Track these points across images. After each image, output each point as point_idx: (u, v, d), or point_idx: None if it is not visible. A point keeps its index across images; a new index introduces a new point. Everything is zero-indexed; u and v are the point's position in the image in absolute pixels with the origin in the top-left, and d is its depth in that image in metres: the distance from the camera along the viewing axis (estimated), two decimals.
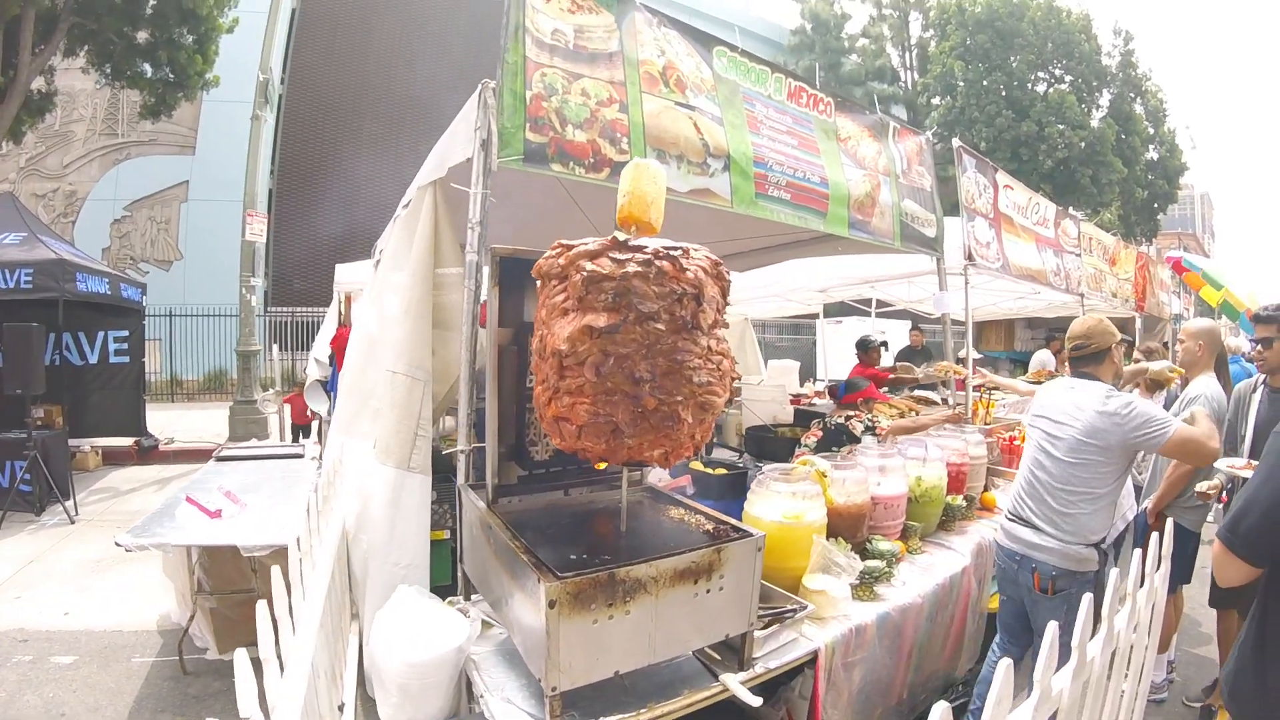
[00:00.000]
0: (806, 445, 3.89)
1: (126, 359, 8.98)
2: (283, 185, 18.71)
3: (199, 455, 8.44)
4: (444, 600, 2.41)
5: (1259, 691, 1.73)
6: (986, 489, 4.00)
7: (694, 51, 3.34)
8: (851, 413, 4.52)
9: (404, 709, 2.04)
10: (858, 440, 3.78)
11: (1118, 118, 23.32)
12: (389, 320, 3.09)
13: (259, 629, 1.41)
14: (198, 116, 17.44)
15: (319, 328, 9.34)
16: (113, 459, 9.05)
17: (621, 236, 1.76)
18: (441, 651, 2.03)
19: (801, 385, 9.02)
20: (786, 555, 2.54)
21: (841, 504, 2.91)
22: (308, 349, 10.66)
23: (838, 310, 11.61)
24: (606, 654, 1.76)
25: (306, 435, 8.40)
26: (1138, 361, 5.21)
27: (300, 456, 5.35)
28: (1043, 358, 10.16)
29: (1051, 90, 22.72)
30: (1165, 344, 7.23)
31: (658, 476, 3.08)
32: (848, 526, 2.90)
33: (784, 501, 2.63)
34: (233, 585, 3.69)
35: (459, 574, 2.57)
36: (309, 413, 8.33)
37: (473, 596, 2.50)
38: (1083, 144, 21.64)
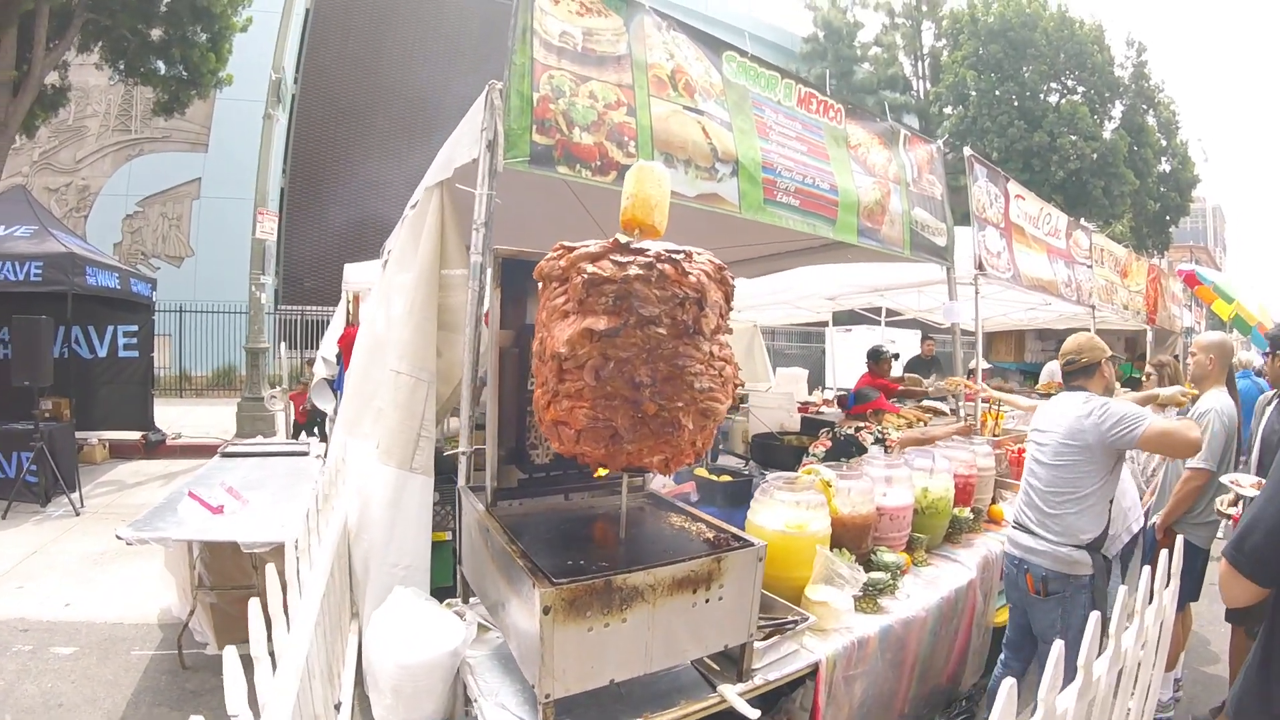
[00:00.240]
0: (814, 455, 3.86)
1: (135, 353, 9.03)
2: (294, 184, 18.79)
3: (206, 450, 8.46)
4: (443, 602, 2.39)
5: (1263, 713, 1.69)
6: (994, 501, 3.95)
7: (703, 56, 3.33)
8: (861, 423, 4.48)
9: (397, 711, 2.02)
10: (866, 451, 3.75)
11: (1130, 129, 23.20)
12: (394, 320, 3.08)
13: (250, 626, 1.39)
14: (211, 114, 17.52)
15: (328, 327, 9.38)
16: (120, 452, 9.12)
17: (624, 239, 1.74)
18: (435, 655, 2.01)
19: (810, 393, 9.00)
20: (789, 565, 2.51)
21: (846, 514, 2.88)
22: (316, 347, 10.70)
23: (847, 319, 11.58)
24: (602, 662, 1.74)
25: (310, 433, 8.43)
26: (1149, 376, 5.17)
27: (305, 454, 5.34)
28: (1052, 369, 10.09)
29: (1064, 101, 22.62)
30: (1176, 357, 7.16)
31: (661, 482, 3.06)
32: (852, 537, 2.87)
33: (787, 511, 2.60)
34: (233, 581, 3.69)
35: (458, 576, 2.55)
36: (303, 408, 8.40)
37: (470, 600, 2.48)
38: (1095, 155, 21.54)
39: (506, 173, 2.59)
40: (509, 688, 1.98)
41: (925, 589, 2.92)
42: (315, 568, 2.21)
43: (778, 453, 4.37)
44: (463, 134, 2.87)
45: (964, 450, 3.78)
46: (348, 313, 8.47)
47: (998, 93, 22.18)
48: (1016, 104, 22.19)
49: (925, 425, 5.04)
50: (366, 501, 2.91)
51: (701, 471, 3.46)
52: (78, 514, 6.42)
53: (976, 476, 3.72)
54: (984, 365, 6.39)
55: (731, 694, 1.93)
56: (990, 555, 3.36)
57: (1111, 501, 2.87)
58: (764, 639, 2.15)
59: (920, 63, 27.33)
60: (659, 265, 1.67)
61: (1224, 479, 3.22)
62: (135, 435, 9.21)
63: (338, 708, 2.22)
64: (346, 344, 7.10)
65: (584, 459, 1.79)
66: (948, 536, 3.47)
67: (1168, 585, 2.36)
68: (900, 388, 6.68)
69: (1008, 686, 1.30)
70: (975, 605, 3.18)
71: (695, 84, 3.18)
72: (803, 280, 6.66)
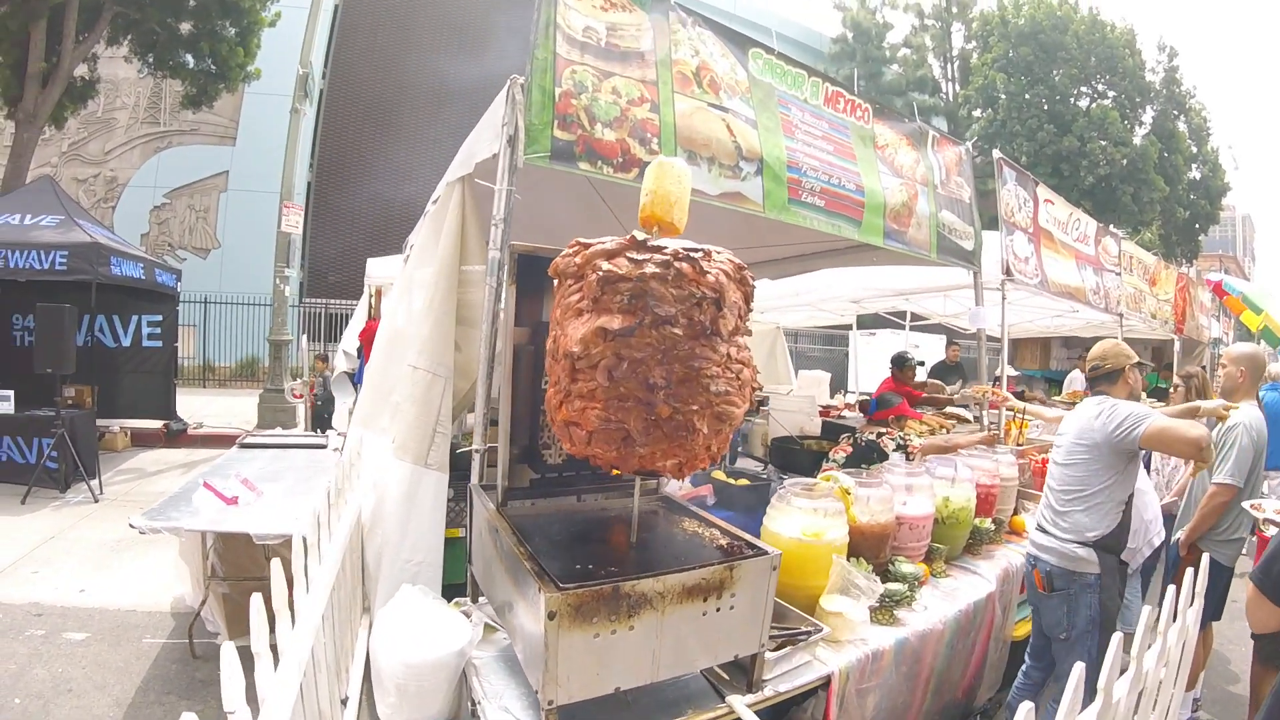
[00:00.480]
0: (835, 460, 3.79)
1: (159, 343, 9.14)
2: (321, 179, 18.98)
3: (226, 440, 8.51)
4: (452, 601, 2.37)
5: None
6: (1016, 512, 3.86)
7: (729, 53, 3.28)
8: (883, 429, 4.40)
9: (401, 710, 2.00)
10: (887, 458, 3.68)
11: (1160, 135, 22.84)
12: (414, 315, 3.07)
13: (252, 621, 1.37)
14: (239, 108, 17.75)
15: (350, 320, 9.45)
16: (141, 441, 9.21)
17: (641, 236, 1.70)
18: (440, 654, 1.98)
19: (832, 397, 8.91)
20: (804, 574, 2.45)
21: (865, 523, 2.81)
22: (338, 341, 10.80)
23: (871, 322, 11.46)
24: (608, 670, 1.69)
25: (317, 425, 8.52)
26: (1176, 388, 5.05)
27: (323, 447, 5.36)
28: (1075, 377, 9.95)
29: (1094, 105, 22.33)
30: (1204, 368, 7.00)
31: (677, 484, 3.01)
32: (870, 546, 2.80)
33: (804, 518, 2.54)
34: (246, 572, 3.69)
35: (468, 575, 2.53)
36: (311, 401, 8.49)
37: (479, 599, 2.45)
38: (1124, 161, 21.22)
39: (529, 169, 2.56)
40: (513, 691, 1.95)
41: (943, 601, 2.86)
42: (324, 562, 2.19)
43: (797, 457, 4.32)
44: (484, 129, 2.85)
45: (987, 459, 3.70)
46: (370, 307, 8.52)
47: (1027, 96, 21.93)
48: (1046, 108, 21.92)
49: (948, 432, 4.96)
50: (381, 496, 2.90)
51: (719, 474, 3.42)
52: (96, 501, 6.48)
53: (999, 486, 3.64)
54: (1011, 372, 6.28)
55: (740, 705, 1.89)
56: (1010, 567, 3.28)
57: (1125, 506, 2.80)
58: (776, 649, 2.10)
59: (949, 65, 27.07)
60: (676, 264, 1.62)
61: (1245, 505, 3.16)
62: (157, 424, 9.30)
63: (345, 702, 2.20)
64: (368, 338, 7.14)
65: (595, 461, 1.75)
66: (967, 547, 3.39)
67: (1192, 604, 2.28)
68: (924, 395, 6.58)
69: (1025, 711, 1.26)
70: (994, 619, 3.11)
71: (720, 81, 3.13)
72: (826, 282, 6.59)
